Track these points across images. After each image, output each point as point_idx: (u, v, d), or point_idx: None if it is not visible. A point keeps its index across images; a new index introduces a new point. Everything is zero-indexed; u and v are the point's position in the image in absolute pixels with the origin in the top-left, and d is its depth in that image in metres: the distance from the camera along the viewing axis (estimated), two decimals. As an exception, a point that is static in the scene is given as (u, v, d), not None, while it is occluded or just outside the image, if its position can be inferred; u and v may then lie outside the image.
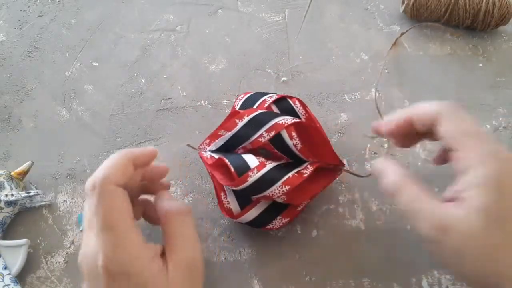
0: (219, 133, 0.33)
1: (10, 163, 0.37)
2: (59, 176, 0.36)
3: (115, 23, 0.45)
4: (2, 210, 0.33)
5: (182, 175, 0.36)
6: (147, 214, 0.29)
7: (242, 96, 0.35)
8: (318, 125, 0.33)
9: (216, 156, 0.32)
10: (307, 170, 0.30)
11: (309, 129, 0.31)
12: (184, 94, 0.41)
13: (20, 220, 0.34)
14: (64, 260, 0.33)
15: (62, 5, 0.46)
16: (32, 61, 0.43)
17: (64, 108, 0.40)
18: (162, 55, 0.43)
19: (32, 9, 0.46)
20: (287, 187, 0.28)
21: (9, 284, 0.30)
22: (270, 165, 0.29)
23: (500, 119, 0.41)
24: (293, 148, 0.31)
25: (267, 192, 0.28)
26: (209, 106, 0.40)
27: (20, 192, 0.33)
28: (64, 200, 0.35)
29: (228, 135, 0.32)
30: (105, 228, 0.21)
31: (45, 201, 0.35)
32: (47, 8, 0.46)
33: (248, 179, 0.28)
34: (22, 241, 0.32)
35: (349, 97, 0.41)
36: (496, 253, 0.21)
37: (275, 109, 0.33)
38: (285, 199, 0.29)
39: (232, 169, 0.29)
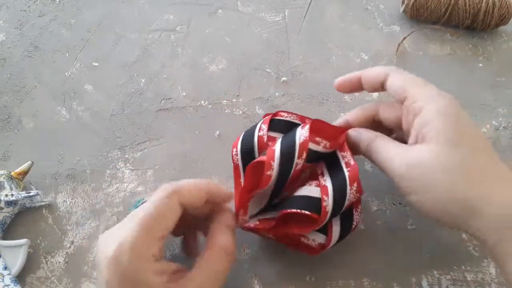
0: (252, 195, 0.29)
1: (10, 163, 0.37)
2: (59, 176, 0.36)
3: (115, 23, 0.45)
4: (2, 210, 0.33)
5: (182, 175, 0.36)
6: (187, 245, 0.30)
7: (235, 150, 0.31)
8: (308, 119, 0.32)
9: (267, 216, 0.29)
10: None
11: (318, 123, 0.29)
12: (184, 94, 0.41)
13: (20, 220, 0.34)
14: (64, 260, 0.33)
15: (62, 5, 0.46)
16: (32, 61, 0.43)
17: (64, 108, 0.40)
18: (162, 55, 0.43)
19: (32, 9, 0.46)
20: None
21: (9, 284, 0.30)
22: (327, 181, 0.27)
23: (500, 119, 0.41)
24: (325, 150, 0.28)
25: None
26: (209, 106, 0.40)
27: (20, 192, 0.33)
28: (64, 200, 0.35)
29: (266, 190, 0.28)
30: (141, 225, 0.22)
31: (45, 201, 0.35)
32: (47, 8, 0.46)
33: (327, 209, 0.26)
34: (22, 241, 0.32)
35: (349, 97, 0.41)
36: (469, 175, 0.22)
37: (274, 134, 0.31)
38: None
39: (308, 212, 0.26)
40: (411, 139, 0.25)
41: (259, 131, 0.30)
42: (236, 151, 0.30)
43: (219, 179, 0.36)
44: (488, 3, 0.43)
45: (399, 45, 0.44)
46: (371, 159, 0.27)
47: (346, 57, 0.44)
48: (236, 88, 0.41)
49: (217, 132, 0.38)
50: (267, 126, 0.30)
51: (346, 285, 0.31)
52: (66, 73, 0.42)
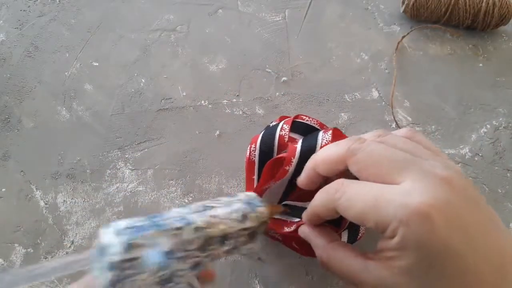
0: (265, 187, 0.29)
1: (10, 163, 0.37)
2: (59, 176, 0.36)
3: (115, 23, 0.45)
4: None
5: (182, 175, 0.36)
6: None
7: (253, 146, 0.31)
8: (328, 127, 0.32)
9: (281, 216, 0.29)
10: None
11: (339, 132, 0.29)
12: (184, 94, 0.41)
13: (21, 219, 0.34)
14: (64, 260, 0.33)
15: (62, 5, 0.46)
16: (32, 61, 0.42)
17: (64, 108, 0.40)
18: (162, 55, 0.43)
19: (32, 9, 0.46)
20: None
21: None
22: None
23: (500, 119, 0.41)
24: None
25: None
26: (209, 106, 0.40)
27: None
28: (64, 200, 0.35)
29: (279, 188, 0.29)
30: None
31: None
32: (47, 8, 0.46)
33: (347, 222, 0.26)
34: None
35: (349, 97, 0.41)
36: None
37: (294, 135, 0.31)
38: None
39: (326, 224, 0.26)
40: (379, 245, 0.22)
41: (280, 130, 0.30)
42: (255, 147, 0.30)
43: (219, 178, 0.36)
44: (488, 3, 0.43)
45: (398, 43, 0.44)
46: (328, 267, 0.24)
47: (346, 57, 0.44)
48: (236, 88, 0.41)
49: (217, 132, 0.38)
50: (289, 126, 0.30)
51: (346, 285, 0.31)
52: (66, 73, 0.42)
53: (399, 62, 0.43)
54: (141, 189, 0.35)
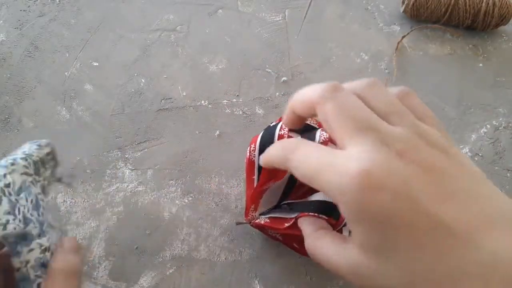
0: (265, 187, 0.29)
1: (10, 163, 0.37)
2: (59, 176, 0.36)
3: (115, 23, 0.45)
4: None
5: (182, 175, 0.36)
6: None
7: (253, 145, 0.31)
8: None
9: (281, 215, 0.29)
10: None
11: None
12: (184, 94, 0.41)
13: (20, 220, 0.34)
14: (64, 260, 0.33)
15: (62, 5, 0.46)
16: (32, 61, 0.42)
17: (64, 108, 0.40)
18: (162, 55, 0.43)
19: (32, 9, 0.46)
20: None
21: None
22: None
23: (500, 119, 0.41)
24: None
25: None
26: (209, 106, 0.40)
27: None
28: (64, 200, 0.35)
29: (278, 188, 0.28)
30: None
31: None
32: (47, 8, 0.46)
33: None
34: None
35: (349, 97, 0.41)
36: (389, 279, 0.19)
37: (294, 135, 0.31)
38: None
39: (325, 217, 0.26)
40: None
41: (280, 129, 0.30)
42: (254, 147, 0.30)
43: (219, 178, 0.36)
44: (488, 3, 0.43)
45: (398, 43, 0.44)
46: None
47: (346, 57, 0.44)
48: (236, 88, 0.41)
49: (217, 132, 0.38)
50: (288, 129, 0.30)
51: (346, 285, 0.31)
52: (66, 73, 0.42)
53: (399, 62, 0.43)
54: (141, 189, 0.35)
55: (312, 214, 0.26)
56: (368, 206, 0.18)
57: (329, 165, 0.19)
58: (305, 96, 0.22)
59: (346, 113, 0.20)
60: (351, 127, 0.19)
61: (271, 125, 0.32)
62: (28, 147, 0.26)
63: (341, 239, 0.22)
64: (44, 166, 0.27)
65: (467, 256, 0.18)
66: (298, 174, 0.20)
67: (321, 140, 0.27)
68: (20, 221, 0.22)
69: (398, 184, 0.18)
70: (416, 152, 0.19)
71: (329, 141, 0.27)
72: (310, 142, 0.21)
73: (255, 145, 0.30)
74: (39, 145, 0.27)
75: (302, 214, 0.26)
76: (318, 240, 0.23)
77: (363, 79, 0.22)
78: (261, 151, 0.30)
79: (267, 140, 0.30)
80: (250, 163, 0.30)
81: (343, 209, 0.19)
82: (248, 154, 0.30)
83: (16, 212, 0.22)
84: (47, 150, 0.27)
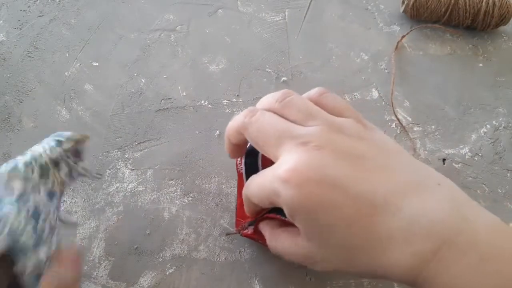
0: None
1: (10, 163, 0.37)
2: (59, 176, 0.36)
3: (115, 23, 0.45)
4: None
5: (182, 175, 0.36)
6: None
7: (239, 159, 0.31)
8: None
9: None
10: None
11: None
12: (184, 94, 0.41)
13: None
14: (64, 260, 0.33)
15: (62, 5, 0.46)
16: (32, 61, 0.42)
17: (64, 108, 0.40)
18: (162, 55, 0.43)
19: (32, 9, 0.46)
20: None
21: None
22: None
23: (500, 119, 0.41)
24: None
25: None
26: (209, 106, 0.40)
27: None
28: (64, 200, 0.35)
29: None
30: None
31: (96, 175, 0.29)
32: (47, 8, 0.46)
33: None
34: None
35: (349, 97, 0.41)
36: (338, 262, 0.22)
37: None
38: None
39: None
40: None
41: None
42: (240, 161, 0.30)
43: (219, 178, 0.36)
44: (488, 3, 0.43)
45: (398, 43, 0.44)
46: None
47: (346, 57, 0.44)
48: (236, 88, 0.41)
49: (217, 132, 0.38)
50: None
51: (346, 285, 0.31)
52: (66, 73, 0.42)
53: (399, 62, 0.43)
54: (141, 189, 0.35)
55: (278, 216, 0.26)
56: (299, 199, 0.20)
57: (264, 177, 0.22)
58: (233, 126, 0.24)
59: (265, 131, 0.22)
60: (273, 141, 0.22)
61: None
62: (44, 144, 0.25)
63: (295, 233, 0.23)
64: (58, 166, 0.25)
65: (389, 222, 0.20)
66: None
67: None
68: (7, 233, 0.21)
69: (318, 174, 0.20)
70: (331, 144, 0.21)
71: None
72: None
73: (241, 159, 0.30)
74: (58, 141, 0.25)
75: (271, 215, 0.26)
76: (277, 237, 0.25)
77: (275, 93, 0.24)
78: (247, 164, 0.30)
79: (251, 154, 0.30)
80: (239, 175, 0.30)
81: (284, 210, 0.21)
82: (236, 166, 0.30)
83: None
84: (67, 146, 0.26)
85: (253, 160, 0.29)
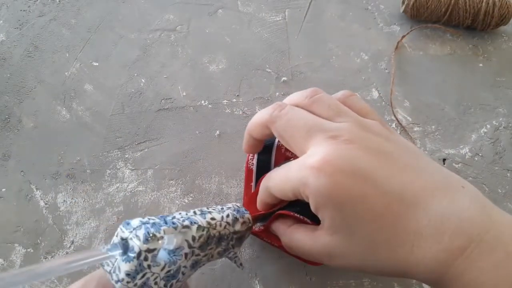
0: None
1: (10, 163, 0.37)
2: (59, 176, 0.36)
3: (115, 23, 0.45)
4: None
5: (182, 175, 0.36)
6: None
7: (251, 156, 0.31)
8: None
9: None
10: None
11: None
12: (184, 94, 0.41)
13: (21, 219, 0.34)
14: (64, 260, 0.33)
15: (62, 5, 0.46)
16: (32, 61, 0.42)
17: (64, 108, 0.40)
18: (162, 55, 0.43)
19: (32, 9, 0.46)
20: None
21: None
22: None
23: (500, 119, 0.41)
24: None
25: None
26: (209, 106, 0.40)
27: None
28: (64, 200, 0.35)
29: None
30: None
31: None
32: (47, 8, 0.46)
33: None
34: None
35: (349, 97, 0.41)
36: (367, 255, 0.21)
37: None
38: None
39: (309, 221, 0.25)
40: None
41: (279, 141, 0.30)
42: (253, 156, 0.30)
43: (219, 178, 0.36)
44: (488, 3, 0.43)
45: (398, 43, 0.44)
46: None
47: (346, 57, 0.44)
48: (236, 88, 0.41)
49: (217, 132, 0.38)
50: None
51: (346, 285, 0.31)
52: (66, 73, 0.42)
53: (399, 62, 0.43)
54: (141, 189, 0.35)
55: (293, 214, 0.26)
56: (327, 190, 0.20)
57: (291, 169, 0.22)
58: (258, 120, 0.24)
59: (294, 125, 0.22)
60: (302, 134, 0.22)
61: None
62: (225, 214, 0.24)
63: (313, 229, 0.23)
64: (219, 243, 0.24)
65: (418, 219, 0.20)
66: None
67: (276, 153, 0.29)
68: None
69: (350, 166, 0.20)
70: (361, 140, 0.21)
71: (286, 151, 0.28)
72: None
73: (253, 155, 0.30)
74: (235, 218, 0.24)
75: (285, 212, 0.26)
76: (292, 234, 0.25)
77: (304, 90, 0.24)
78: (260, 160, 0.30)
79: (265, 151, 0.30)
80: (249, 171, 0.30)
81: (310, 201, 0.21)
82: (246, 162, 0.30)
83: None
84: (239, 228, 0.24)
85: (266, 157, 0.29)
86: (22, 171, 0.36)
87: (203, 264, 0.23)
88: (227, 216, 0.24)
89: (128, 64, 0.42)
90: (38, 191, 0.35)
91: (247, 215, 0.25)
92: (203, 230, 0.22)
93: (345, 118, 0.22)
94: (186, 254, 0.21)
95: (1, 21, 0.45)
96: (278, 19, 0.46)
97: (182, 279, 0.22)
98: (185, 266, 0.21)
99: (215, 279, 0.31)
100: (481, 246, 0.19)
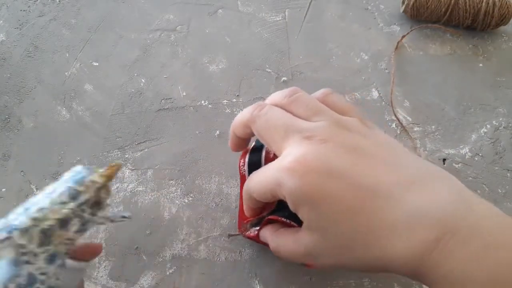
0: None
1: (10, 163, 0.37)
2: (59, 176, 0.36)
3: (115, 23, 0.45)
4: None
5: (182, 175, 0.36)
6: None
7: (242, 161, 0.31)
8: None
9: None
10: None
11: None
12: (184, 94, 0.41)
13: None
14: (64, 260, 0.33)
15: (62, 5, 0.46)
16: (32, 61, 0.42)
17: (64, 108, 0.40)
18: (162, 55, 0.43)
19: (32, 9, 0.46)
20: None
21: None
22: None
23: (500, 119, 0.41)
24: None
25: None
26: (209, 106, 0.40)
27: (116, 212, 0.24)
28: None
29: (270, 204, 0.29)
30: None
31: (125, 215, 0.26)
32: (47, 8, 0.46)
33: None
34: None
35: (349, 97, 0.41)
36: (345, 252, 0.22)
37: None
38: None
39: (295, 224, 0.26)
40: None
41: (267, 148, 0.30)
42: (244, 162, 0.30)
43: (219, 178, 0.36)
44: (488, 3, 0.43)
45: (398, 43, 0.44)
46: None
47: (346, 57, 0.44)
48: (236, 88, 0.41)
49: (217, 132, 0.38)
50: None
51: (346, 285, 0.31)
52: (66, 73, 0.42)
53: (399, 62, 0.43)
54: (141, 189, 0.35)
55: (281, 219, 0.26)
56: (302, 190, 0.20)
57: (268, 170, 0.22)
58: (240, 119, 0.25)
59: (272, 125, 0.23)
60: (279, 135, 0.22)
61: (258, 142, 0.32)
62: (55, 194, 0.21)
63: (296, 231, 0.24)
64: (66, 226, 0.21)
65: (392, 212, 0.20)
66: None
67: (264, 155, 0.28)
68: None
69: (323, 165, 0.20)
70: (337, 138, 0.21)
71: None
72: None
73: (244, 161, 0.30)
74: (73, 193, 0.21)
75: (273, 217, 0.26)
76: (278, 238, 0.25)
77: (284, 90, 0.25)
78: (250, 166, 0.30)
79: (254, 157, 0.30)
80: (242, 177, 0.30)
81: (287, 202, 0.22)
82: (239, 168, 0.30)
83: None
84: (84, 198, 0.21)
85: (256, 161, 0.29)
86: (22, 171, 0.36)
87: (71, 245, 0.21)
88: (60, 194, 0.21)
89: (128, 64, 0.42)
90: (38, 191, 0.35)
91: (91, 177, 0.22)
92: (27, 231, 0.20)
93: (322, 117, 0.23)
94: (26, 261, 0.19)
95: (1, 21, 0.45)
96: (278, 19, 0.46)
97: (48, 277, 0.20)
98: (38, 268, 0.20)
99: (215, 279, 0.32)
100: (457, 237, 0.19)
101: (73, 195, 0.21)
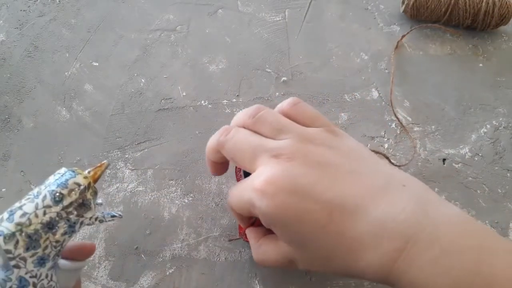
0: None
1: (10, 163, 0.37)
2: (59, 176, 0.36)
3: (115, 23, 0.45)
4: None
5: (182, 175, 0.36)
6: None
7: (238, 168, 0.31)
8: None
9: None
10: None
11: None
12: (184, 94, 0.41)
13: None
14: (64, 260, 0.33)
15: (62, 5, 0.46)
16: (32, 61, 0.42)
17: (64, 108, 0.40)
18: (162, 55, 0.43)
19: (32, 9, 0.46)
20: None
21: None
22: None
23: (500, 119, 0.41)
24: None
25: None
26: (209, 106, 0.40)
27: (107, 213, 0.24)
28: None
29: None
30: None
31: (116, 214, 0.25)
32: (47, 8, 0.46)
33: None
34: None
35: (349, 97, 0.41)
36: (318, 264, 0.23)
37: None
38: None
39: None
40: None
41: None
42: (239, 168, 0.31)
43: (219, 178, 0.36)
44: (488, 3, 0.43)
45: (398, 43, 0.44)
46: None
47: (346, 57, 0.44)
48: (236, 88, 0.41)
49: (217, 132, 0.38)
50: None
51: (346, 285, 0.31)
52: (66, 73, 0.42)
53: (399, 62, 0.43)
54: (141, 189, 0.35)
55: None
56: (273, 210, 0.21)
57: (243, 190, 0.23)
58: (210, 145, 0.25)
59: (240, 148, 0.23)
60: (248, 157, 0.23)
61: None
62: (39, 200, 0.21)
63: (277, 239, 0.24)
64: (52, 229, 0.21)
65: (359, 226, 0.20)
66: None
67: None
68: None
69: (290, 184, 0.21)
70: (302, 155, 0.22)
71: None
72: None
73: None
74: (58, 196, 0.21)
75: (258, 222, 0.27)
76: (260, 247, 0.26)
77: (248, 109, 0.25)
78: (246, 173, 0.30)
79: None
80: (239, 181, 0.31)
81: (262, 221, 0.22)
82: (236, 175, 0.31)
83: None
84: (69, 200, 0.21)
85: None
86: (22, 171, 0.36)
87: (60, 247, 0.21)
88: (44, 198, 0.21)
89: (128, 64, 0.42)
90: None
91: (75, 179, 0.22)
92: (13, 236, 0.20)
93: (287, 135, 0.23)
94: (15, 265, 0.19)
95: (1, 21, 0.45)
96: (278, 19, 0.46)
97: (43, 278, 0.20)
98: (28, 271, 0.20)
99: (215, 279, 0.32)
100: (418, 245, 0.19)
101: (57, 198, 0.21)
